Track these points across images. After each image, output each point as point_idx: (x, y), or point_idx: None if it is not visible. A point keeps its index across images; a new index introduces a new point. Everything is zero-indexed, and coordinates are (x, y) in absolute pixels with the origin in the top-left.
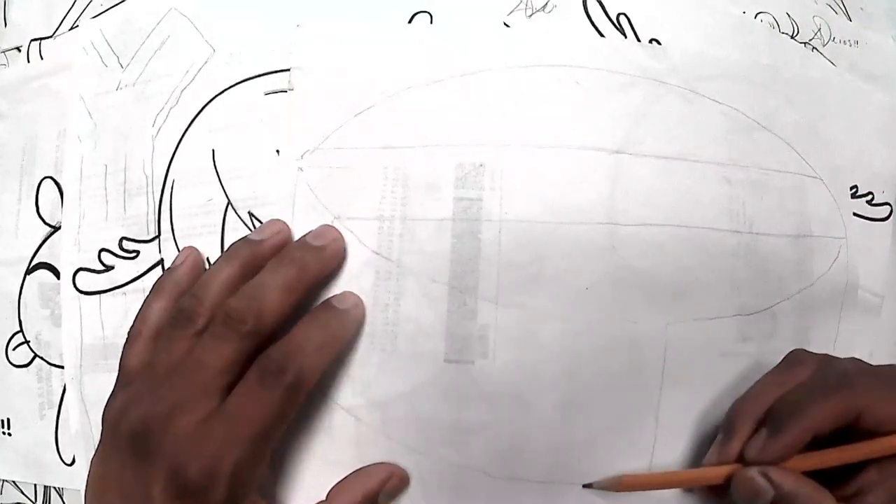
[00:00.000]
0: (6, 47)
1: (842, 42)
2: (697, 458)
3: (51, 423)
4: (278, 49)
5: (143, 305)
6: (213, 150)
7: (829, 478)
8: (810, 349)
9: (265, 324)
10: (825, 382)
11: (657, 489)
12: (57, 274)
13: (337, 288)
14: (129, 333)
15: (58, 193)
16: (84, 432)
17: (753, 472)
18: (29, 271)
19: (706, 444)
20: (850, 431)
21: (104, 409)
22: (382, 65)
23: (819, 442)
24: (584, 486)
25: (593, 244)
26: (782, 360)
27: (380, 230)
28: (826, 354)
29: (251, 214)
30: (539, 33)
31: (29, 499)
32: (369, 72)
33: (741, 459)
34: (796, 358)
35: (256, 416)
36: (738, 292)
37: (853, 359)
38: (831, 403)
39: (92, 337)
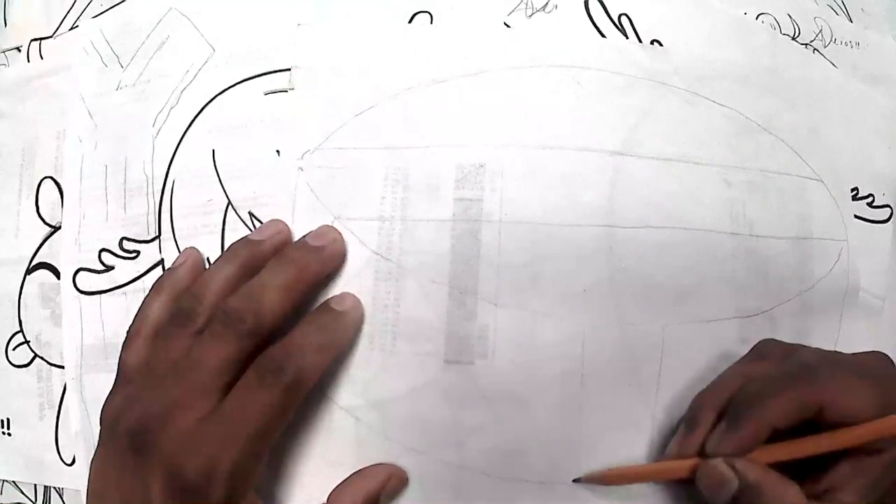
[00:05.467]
0: (6, 47)
1: (843, 43)
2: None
3: (51, 423)
4: (278, 49)
5: (142, 304)
6: (213, 150)
7: (799, 474)
8: None
9: (264, 323)
10: (786, 375)
11: (634, 483)
12: (57, 274)
13: (337, 288)
14: (128, 332)
15: (58, 193)
16: (84, 432)
17: (718, 462)
18: (29, 271)
19: None
20: (816, 424)
21: (102, 408)
22: (383, 65)
23: (785, 433)
24: (574, 480)
25: (591, 246)
26: (749, 351)
27: (380, 230)
28: (795, 344)
29: (251, 214)
30: (539, 33)
31: (29, 499)
32: (369, 72)
33: (702, 453)
34: (763, 348)
35: (254, 416)
36: (737, 294)
37: (818, 350)
38: (790, 397)
39: (92, 337)
